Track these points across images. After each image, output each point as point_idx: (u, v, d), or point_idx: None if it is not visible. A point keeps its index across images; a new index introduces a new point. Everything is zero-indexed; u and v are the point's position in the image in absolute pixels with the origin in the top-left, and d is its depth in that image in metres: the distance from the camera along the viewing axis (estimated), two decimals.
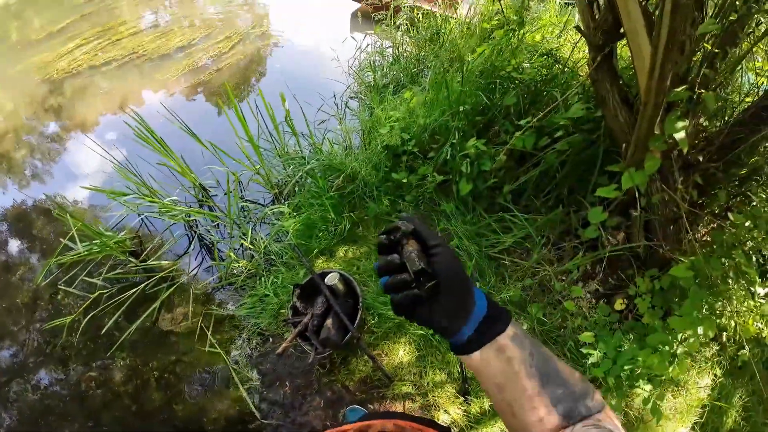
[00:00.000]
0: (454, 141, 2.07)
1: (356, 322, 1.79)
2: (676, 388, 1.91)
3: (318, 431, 1.64)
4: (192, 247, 2.67)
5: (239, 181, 2.83)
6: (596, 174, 1.96)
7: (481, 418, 1.84)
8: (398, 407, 1.91)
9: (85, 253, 2.53)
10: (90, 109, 4.23)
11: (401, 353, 1.96)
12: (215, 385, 2.18)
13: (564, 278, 2.08)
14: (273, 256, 2.31)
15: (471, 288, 0.45)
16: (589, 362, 1.70)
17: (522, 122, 2.01)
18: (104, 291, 2.48)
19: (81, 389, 2.32)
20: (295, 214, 2.27)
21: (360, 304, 1.84)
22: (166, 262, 2.60)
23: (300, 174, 2.33)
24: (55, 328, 2.47)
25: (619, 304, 1.85)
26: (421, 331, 1.96)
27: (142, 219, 2.86)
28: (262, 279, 2.29)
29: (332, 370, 1.99)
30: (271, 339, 2.15)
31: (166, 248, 2.63)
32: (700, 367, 1.93)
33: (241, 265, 2.38)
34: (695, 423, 1.82)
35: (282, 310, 2.14)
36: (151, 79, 4.45)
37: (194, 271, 2.56)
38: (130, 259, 2.61)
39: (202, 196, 2.87)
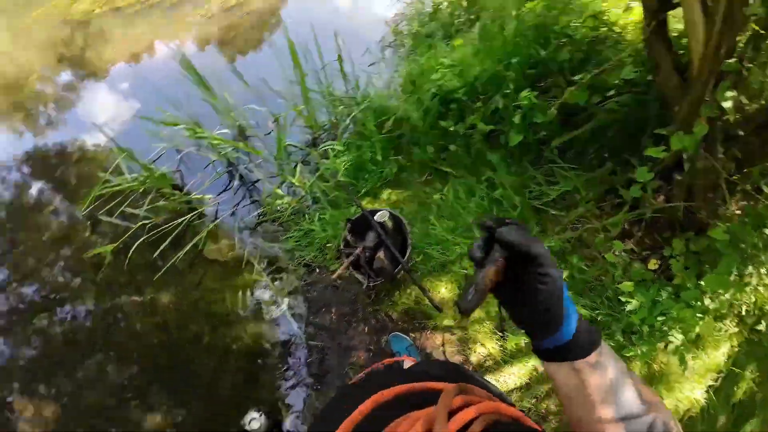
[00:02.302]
0: (507, 91, 2.11)
1: (406, 255, 1.90)
2: (696, 351, 2.02)
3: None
4: (234, 184, 2.74)
5: (278, 121, 2.86)
6: (645, 136, 2.01)
7: (516, 354, 1.99)
8: (437, 338, 2.07)
9: (129, 183, 2.60)
10: (119, 51, 4.16)
11: (443, 290, 2.09)
12: (262, 311, 2.32)
13: (601, 235, 2.19)
14: (318, 194, 2.39)
15: (561, 319, 0.44)
16: (627, 309, 1.83)
17: (576, 78, 2.04)
18: (147, 222, 2.57)
19: (125, 315, 2.47)
20: (344, 153, 2.34)
21: (408, 242, 1.94)
22: (209, 196, 2.68)
23: (353, 114, 2.37)
24: (98, 257, 2.58)
25: (652, 264, 1.94)
26: (464, 271, 2.08)
27: (181, 157, 2.90)
28: (307, 216, 2.39)
29: (376, 300, 2.12)
30: (317, 270, 2.27)
31: (209, 184, 2.70)
32: (719, 335, 2.02)
33: (285, 201, 2.46)
34: (709, 386, 1.91)
35: (328, 245, 2.25)
36: (181, 22, 4.35)
37: (237, 207, 2.65)
38: (174, 192, 2.68)
39: (241, 137, 2.91)
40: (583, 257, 2.10)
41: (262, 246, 2.43)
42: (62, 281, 2.66)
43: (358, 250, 1.92)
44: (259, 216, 2.55)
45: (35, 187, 3.19)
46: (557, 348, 0.45)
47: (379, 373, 0.88)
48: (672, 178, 1.88)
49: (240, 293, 2.38)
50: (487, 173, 2.23)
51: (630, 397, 0.44)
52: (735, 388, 1.95)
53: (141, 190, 2.70)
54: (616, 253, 2.07)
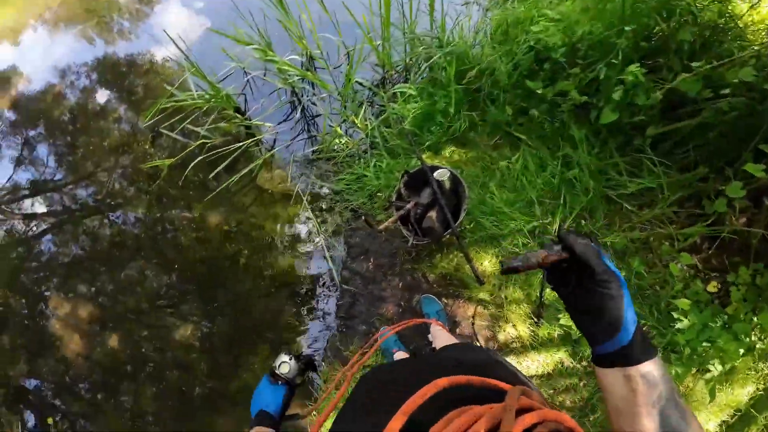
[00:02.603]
0: (615, 62, 1.84)
1: (459, 220, 1.81)
2: (724, 384, 1.88)
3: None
4: (295, 116, 2.70)
5: (349, 55, 2.73)
6: (748, 149, 1.75)
7: (545, 342, 1.91)
8: (469, 309, 2.02)
9: (193, 100, 2.60)
10: None
11: (486, 263, 2.01)
12: (302, 246, 2.36)
13: (668, 243, 2.00)
14: (378, 140, 2.30)
15: (619, 324, 0.46)
16: (677, 327, 1.71)
17: (694, 64, 1.76)
18: (206, 141, 2.61)
19: (173, 228, 2.59)
20: (415, 99, 2.19)
21: (464, 206, 1.84)
22: (269, 124, 2.66)
23: (432, 58, 2.19)
24: (157, 169, 2.67)
25: (712, 287, 1.82)
26: (513, 249, 1.97)
27: (248, 80, 2.87)
28: (362, 160, 2.32)
29: (416, 258, 2.08)
30: (363, 217, 2.24)
31: (271, 111, 2.67)
32: (751, 374, 1.87)
33: (343, 142, 2.40)
34: (724, 422, 1.84)
35: (379, 193, 2.20)
36: None
37: (295, 139, 2.62)
38: (236, 115, 2.69)
39: (310, 66, 2.82)
40: (645, 262, 1.93)
41: (312, 183, 2.42)
42: (117, 187, 2.81)
43: (409, 205, 1.85)
44: (314, 152, 2.52)
45: (102, 94, 3.30)
46: (612, 352, 0.47)
47: (426, 357, 0.92)
48: (762, 202, 1.73)
49: (284, 225, 2.42)
50: (566, 149, 2.03)
51: (675, 416, 0.45)
52: (746, 430, 1.85)
53: (204, 109, 2.72)
54: (681, 266, 1.89)
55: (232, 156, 2.52)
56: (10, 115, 3.37)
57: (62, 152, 3.07)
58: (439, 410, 0.40)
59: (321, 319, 2.18)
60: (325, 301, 2.21)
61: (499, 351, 1.95)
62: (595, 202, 1.96)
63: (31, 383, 2.37)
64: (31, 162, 3.10)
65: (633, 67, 1.81)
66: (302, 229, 2.40)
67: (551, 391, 1.88)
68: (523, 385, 0.46)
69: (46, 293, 2.56)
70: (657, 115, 1.90)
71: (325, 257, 2.23)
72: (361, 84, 2.56)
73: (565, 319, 1.87)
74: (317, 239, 2.29)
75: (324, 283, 2.24)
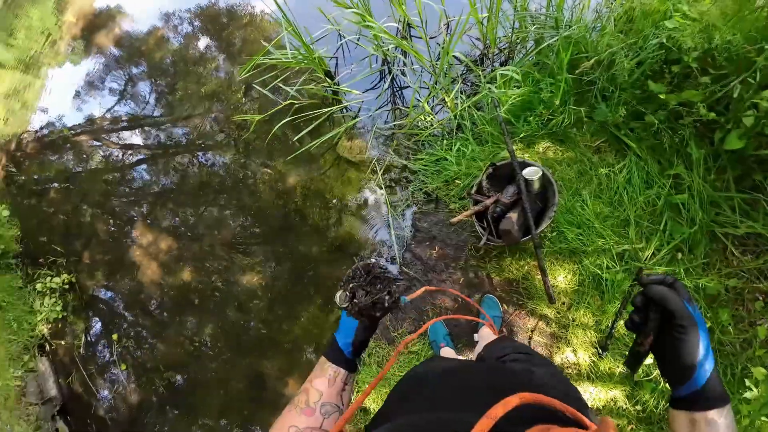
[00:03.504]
0: (751, 81, 1.49)
1: (541, 228, 1.65)
2: None
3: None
4: (384, 85, 2.61)
5: (449, 25, 2.54)
6: None
7: (605, 378, 1.73)
8: (530, 322, 1.88)
9: (287, 59, 2.61)
10: None
11: (560, 278, 1.83)
12: (371, 219, 2.34)
13: (764, 301, 1.67)
14: (466, 122, 2.15)
15: (692, 371, 0.48)
16: (744, 395, 1.47)
17: None
18: (295, 102, 2.63)
19: (253, 177, 2.70)
20: (517, 84, 1.99)
21: (551, 213, 1.66)
22: (357, 91, 2.61)
23: (544, 41, 1.95)
24: (246, 121, 2.77)
25: None
26: (594, 270, 1.77)
27: (342, 43, 2.82)
28: (445, 142, 2.20)
29: (485, 257, 1.97)
30: (435, 203, 2.15)
31: (360, 78, 2.61)
32: None
33: (429, 119, 2.28)
34: None
35: (457, 181, 2.08)
36: None
37: (380, 110, 2.56)
38: (326, 78, 2.67)
39: (406, 35, 2.69)
40: (733, 316, 1.64)
41: (390, 158, 2.36)
42: (208, 131, 2.98)
43: (489, 201, 1.72)
44: (396, 126, 2.43)
45: (202, 42, 3.46)
46: (683, 397, 0.49)
47: (499, 366, 0.88)
48: None
49: (356, 195, 2.42)
50: (679, 168, 1.73)
51: None
52: None
53: (296, 69, 2.74)
54: None
55: (317, 121, 2.53)
56: (114, 51, 3.70)
57: (161, 91, 3.34)
58: (518, 422, 0.40)
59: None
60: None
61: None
62: (698, 237, 1.67)
63: (106, 294, 2.70)
64: (132, 97, 3.41)
65: None
66: (372, 203, 2.38)
67: None
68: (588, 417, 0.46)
69: (133, 218, 2.86)
70: None
71: (390, 235, 2.20)
72: (458, 59, 2.38)
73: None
74: (386, 216, 2.25)
75: (384, 261, 2.22)
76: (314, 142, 2.47)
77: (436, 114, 2.35)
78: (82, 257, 2.80)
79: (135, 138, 3.21)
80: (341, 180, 2.49)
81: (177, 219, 2.78)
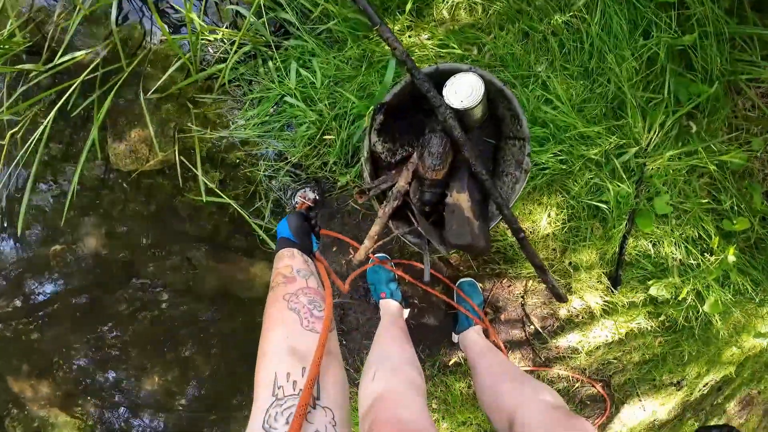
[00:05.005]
0: None
1: (515, 196, 0.88)
2: None
3: None
4: (115, 7, 1.26)
5: None
6: None
7: (623, 310, 1.30)
8: (518, 287, 1.31)
9: None
10: None
11: (544, 222, 1.17)
12: (238, 255, 1.41)
13: None
14: (286, 15, 1.07)
15: None
16: None
17: None
18: None
19: None
20: None
21: (526, 156, 0.86)
22: (80, 53, 1.25)
23: None
24: None
25: None
26: (586, 201, 1.11)
27: None
28: (273, 65, 1.14)
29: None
30: (314, 184, 1.23)
31: (76, 20, 1.21)
32: None
33: (220, 36, 1.14)
34: None
35: (327, 135, 1.12)
36: None
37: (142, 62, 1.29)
38: (25, 66, 1.24)
39: None
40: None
41: (203, 138, 1.26)
42: None
43: (400, 182, 0.87)
44: (184, 73, 1.24)
45: None
46: None
47: None
48: None
49: (195, 213, 1.39)
50: None
51: None
52: None
53: None
54: None
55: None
56: None
57: None
58: None
59: None
60: None
61: (560, 327, 1.35)
62: (717, 94, 1.02)
63: None
64: None
65: None
66: (225, 218, 1.40)
67: (619, 354, 1.39)
68: None
69: None
70: None
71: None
72: None
73: (658, 290, 1.21)
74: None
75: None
76: (75, 174, 1.25)
77: (231, 20, 1.19)
78: None
79: None
80: (159, 206, 1.40)
81: None
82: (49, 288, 1.52)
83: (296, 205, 1.14)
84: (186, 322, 1.51)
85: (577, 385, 1.42)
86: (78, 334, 1.54)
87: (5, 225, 1.45)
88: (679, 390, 1.49)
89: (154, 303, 1.50)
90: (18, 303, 1.54)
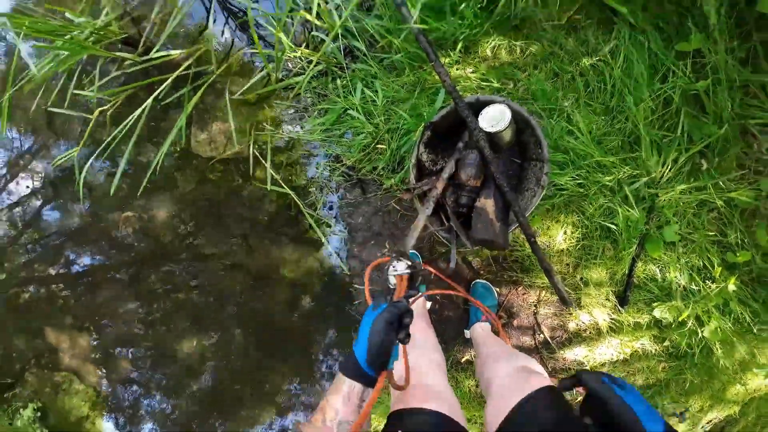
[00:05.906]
0: None
1: (531, 207, 1.05)
2: None
3: None
4: (213, 19, 1.56)
5: None
6: None
7: (629, 330, 1.40)
8: (531, 296, 1.45)
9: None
10: None
11: (560, 238, 1.32)
12: (286, 240, 1.63)
13: None
14: (359, 42, 1.30)
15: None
16: None
17: None
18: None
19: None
20: None
21: (544, 175, 1.03)
22: (175, 52, 1.55)
23: None
24: None
25: None
26: (599, 222, 1.26)
27: None
28: (341, 83, 1.38)
29: (451, 240, 1.39)
30: (360, 186, 1.45)
31: (174, 24, 1.51)
32: None
33: (299, 54, 1.39)
34: None
35: (380, 145, 1.34)
36: None
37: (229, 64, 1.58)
38: (123, 55, 1.56)
39: None
40: None
41: (273, 135, 1.52)
42: None
43: (438, 185, 1.06)
44: (262, 80, 1.51)
45: None
46: None
47: None
48: None
49: (254, 208, 1.64)
50: (696, 42, 1.10)
51: None
52: None
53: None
54: None
55: (139, 123, 1.55)
56: None
57: None
58: None
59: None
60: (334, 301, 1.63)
61: (568, 339, 1.47)
62: (728, 135, 1.15)
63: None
64: None
65: None
66: (276, 210, 1.64)
67: (623, 374, 1.48)
68: None
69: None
70: None
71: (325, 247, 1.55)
72: None
73: (662, 312, 1.32)
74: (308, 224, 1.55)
75: (335, 276, 1.61)
76: (157, 158, 1.52)
77: (311, 41, 1.44)
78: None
79: None
80: (227, 189, 1.66)
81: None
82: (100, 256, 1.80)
83: (393, 289, 0.83)
84: (230, 294, 1.73)
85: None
86: (123, 300, 1.80)
87: (89, 191, 1.73)
88: (681, 422, 1.54)
89: (206, 273, 1.74)
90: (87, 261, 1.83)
